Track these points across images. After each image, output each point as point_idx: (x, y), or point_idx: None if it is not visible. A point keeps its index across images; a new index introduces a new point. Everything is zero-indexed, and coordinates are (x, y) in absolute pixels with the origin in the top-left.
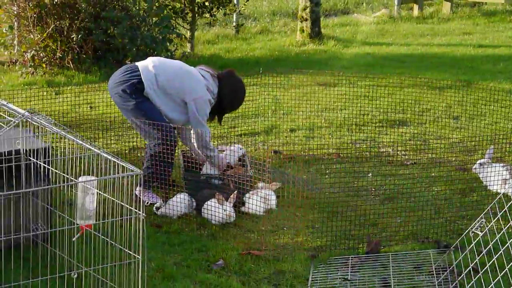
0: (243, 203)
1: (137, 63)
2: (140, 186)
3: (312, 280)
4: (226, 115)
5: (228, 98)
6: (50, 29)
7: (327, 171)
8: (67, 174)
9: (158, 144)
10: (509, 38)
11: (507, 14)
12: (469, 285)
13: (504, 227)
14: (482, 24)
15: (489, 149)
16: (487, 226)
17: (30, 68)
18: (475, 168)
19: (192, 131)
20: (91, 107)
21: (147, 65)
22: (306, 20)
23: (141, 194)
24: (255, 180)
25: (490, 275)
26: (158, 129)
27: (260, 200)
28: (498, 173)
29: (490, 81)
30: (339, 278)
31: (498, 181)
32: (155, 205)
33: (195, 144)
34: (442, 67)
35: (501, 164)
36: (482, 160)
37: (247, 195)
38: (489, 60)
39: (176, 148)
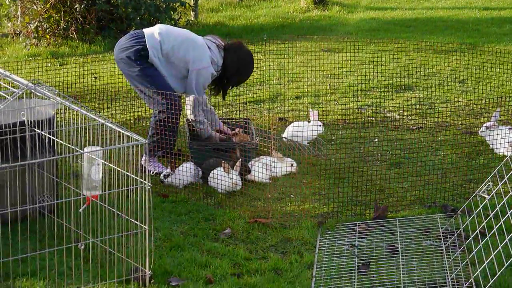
0: (249, 171)
1: (144, 30)
2: (145, 155)
3: (320, 247)
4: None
5: (231, 70)
6: None
7: (333, 137)
8: (72, 145)
9: (162, 111)
10: None
11: None
12: (477, 248)
13: (511, 190)
14: None
15: (495, 112)
16: (494, 190)
17: (34, 40)
18: (482, 131)
19: (188, 99)
20: (95, 78)
21: (153, 32)
22: None
23: (147, 164)
24: (263, 149)
25: (498, 238)
26: (163, 95)
27: (265, 167)
28: (505, 136)
29: (495, 44)
30: (347, 244)
31: (504, 144)
32: (163, 173)
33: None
34: (447, 30)
35: (508, 127)
36: (488, 123)
37: (252, 162)
38: (495, 23)
39: (181, 116)
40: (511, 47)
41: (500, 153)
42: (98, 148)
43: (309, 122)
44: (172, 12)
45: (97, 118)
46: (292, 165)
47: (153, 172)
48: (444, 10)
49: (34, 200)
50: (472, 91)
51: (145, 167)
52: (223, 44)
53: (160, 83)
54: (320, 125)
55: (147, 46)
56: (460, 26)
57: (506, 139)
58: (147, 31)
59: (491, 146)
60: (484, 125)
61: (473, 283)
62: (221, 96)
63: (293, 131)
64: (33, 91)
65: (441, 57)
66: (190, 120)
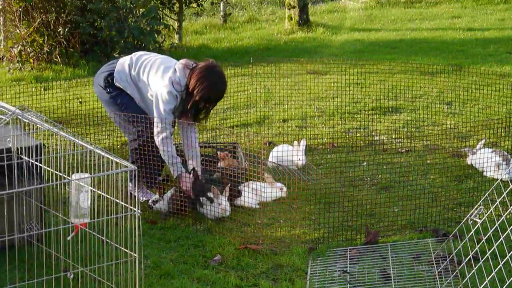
0: (240, 194)
1: (124, 57)
2: (131, 182)
3: (311, 273)
4: (215, 107)
5: (191, 86)
6: (37, 23)
7: (322, 161)
8: (60, 172)
9: (134, 139)
10: (498, 21)
11: None
12: (470, 274)
13: (503, 214)
14: (471, 7)
15: (480, 142)
16: (485, 214)
17: (17, 64)
18: (469, 158)
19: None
20: (80, 102)
21: (127, 57)
22: (294, 7)
23: (134, 191)
24: (253, 173)
25: (491, 263)
26: (134, 123)
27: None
28: (490, 158)
29: (481, 65)
30: (338, 270)
31: (491, 166)
32: (152, 198)
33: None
34: (432, 51)
35: (491, 149)
36: (473, 150)
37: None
38: (479, 44)
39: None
40: (496, 68)
41: (489, 176)
42: (86, 175)
43: (293, 145)
44: (156, 35)
45: (85, 145)
46: (281, 189)
47: (141, 199)
48: (428, 31)
49: (22, 229)
50: (459, 113)
51: (133, 194)
52: (192, 65)
53: (131, 109)
54: (303, 159)
55: (115, 71)
56: (444, 47)
57: (491, 161)
58: (123, 58)
59: (479, 168)
60: (469, 153)
61: None
62: (193, 119)
63: (278, 156)
64: (20, 117)
65: (427, 79)
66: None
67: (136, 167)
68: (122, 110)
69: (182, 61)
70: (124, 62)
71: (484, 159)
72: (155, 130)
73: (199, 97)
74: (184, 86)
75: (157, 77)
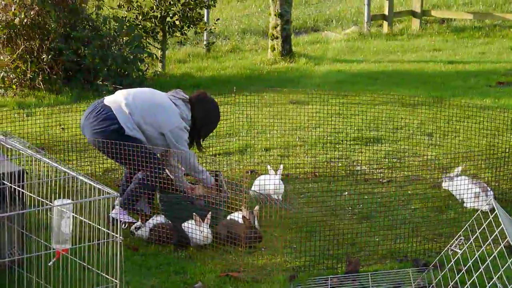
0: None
1: (107, 102)
2: (115, 208)
3: None
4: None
5: (201, 121)
6: (20, 50)
7: (303, 191)
8: (43, 198)
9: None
10: (479, 54)
11: (475, 30)
12: None
13: (483, 245)
14: (452, 40)
15: (457, 168)
16: (465, 244)
17: (0, 90)
18: (444, 182)
19: (176, 159)
20: (63, 128)
21: (120, 105)
22: (277, 38)
23: (118, 215)
24: (233, 202)
25: None
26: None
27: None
28: (468, 188)
29: (461, 97)
30: None
31: (469, 196)
32: (134, 225)
33: (181, 171)
34: (413, 83)
35: (469, 178)
36: (450, 174)
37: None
38: (460, 76)
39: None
40: (476, 100)
41: (468, 207)
42: (68, 201)
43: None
44: (139, 63)
45: (68, 171)
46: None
47: (123, 224)
48: (409, 63)
49: (3, 254)
50: (440, 145)
51: (116, 220)
52: (187, 97)
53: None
54: (280, 184)
55: (121, 124)
56: (426, 79)
57: (469, 191)
58: (113, 106)
59: (456, 196)
60: (445, 177)
61: None
62: (197, 148)
63: (260, 185)
64: (2, 143)
65: (408, 110)
66: (191, 175)
67: (118, 194)
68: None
69: (174, 93)
70: (121, 110)
71: (462, 188)
72: (185, 162)
73: (206, 128)
74: (189, 120)
75: (164, 117)
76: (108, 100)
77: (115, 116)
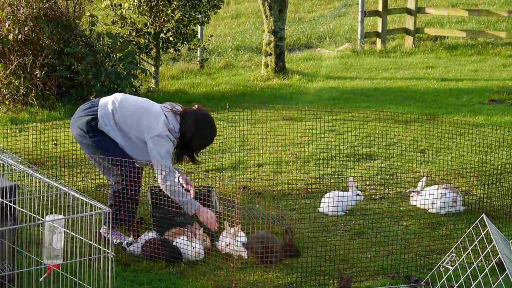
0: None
1: (101, 98)
2: (105, 225)
3: None
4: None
5: (188, 134)
6: (13, 65)
7: (296, 207)
8: (34, 213)
9: (118, 182)
10: (471, 72)
11: (468, 47)
12: None
13: (475, 261)
14: (445, 58)
15: (421, 180)
16: (457, 261)
17: None
18: (412, 197)
19: (157, 172)
20: (55, 144)
21: (108, 101)
22: (270, 54)
23: (108, 234)
24: (225, 220)
25: None
26: (118, 166)
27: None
28: (444, 195)
29: (454, 114)
30: None
31: (440, 202)
32: (127, 240)
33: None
34: (406, 100)
35: (435, 186)
36: (415, 190)
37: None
38: (453, 94)
39: (141, 184)
40: (469, 117)
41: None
42: (60, 216)
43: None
44: (133, 79)
45: (60, 186)
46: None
47: (115, 241)
48: (402, 81)
49: None
50: (432, 161)
51: (106, 237)
52: (180, 110)
53: (115, 153)
54: (358, 194)
55: (98, 116)
56: (419, 97)
57: (445, 197)
58: (102, 100)
59: (429, 207)
60: (412, 192)
61: None
62: (191, 161)
63: (329, 202)
64: None
65: (401, 127)
66: (165, 191)
67: (110, 210)
68: (106, 154)
69: (167, 104)
70: (106, 105)
71: (435, 197)
72: (159, 175)
73: (196, 142)
74: (177, 133)
75: (149, 122)
76: (103, 98)
77: (97, 109)
